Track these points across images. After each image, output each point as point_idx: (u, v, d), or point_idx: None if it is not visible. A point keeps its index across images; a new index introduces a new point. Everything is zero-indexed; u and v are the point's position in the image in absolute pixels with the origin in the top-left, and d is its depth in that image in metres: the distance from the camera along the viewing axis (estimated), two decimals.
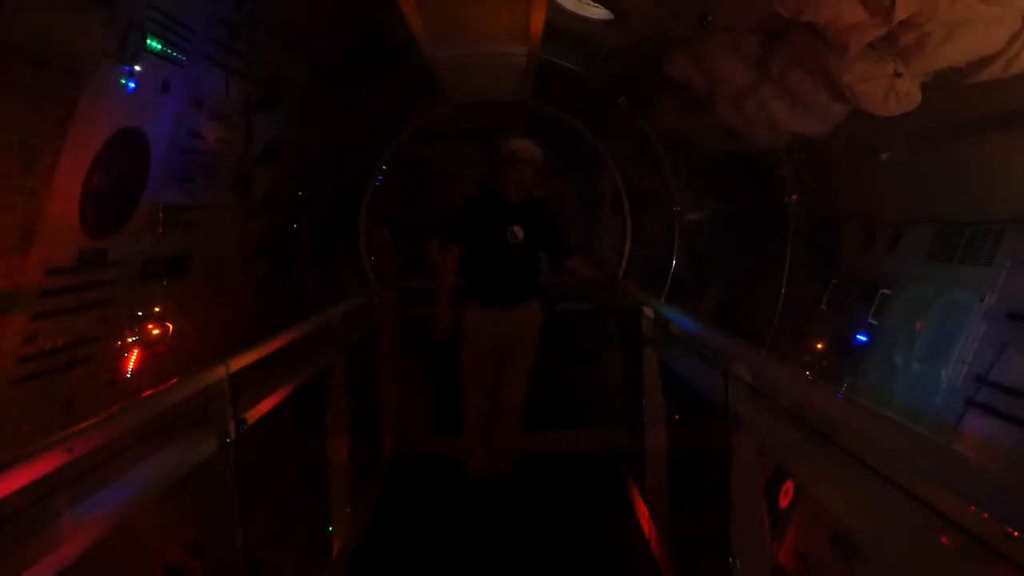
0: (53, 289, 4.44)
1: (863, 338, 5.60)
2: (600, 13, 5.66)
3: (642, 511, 4.58)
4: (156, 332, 5.86)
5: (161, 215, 5.42)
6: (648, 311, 4.79)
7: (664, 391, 4.62)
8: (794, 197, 6.11)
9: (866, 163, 5.90)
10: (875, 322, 5.37)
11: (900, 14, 3.50)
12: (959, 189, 4.90)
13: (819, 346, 6.16)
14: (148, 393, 2.44)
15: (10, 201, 3.89)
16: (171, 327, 5.92)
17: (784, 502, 5.12)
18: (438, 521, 4.64)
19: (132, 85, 4.72)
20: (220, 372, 2.85)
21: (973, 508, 1.59)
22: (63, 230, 4.39)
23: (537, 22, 5.19)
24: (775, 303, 7.44)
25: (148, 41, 4.66)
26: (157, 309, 5.77)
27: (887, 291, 5.37)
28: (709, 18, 4.84)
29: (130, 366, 5.57)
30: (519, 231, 4.82)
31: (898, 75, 3.70)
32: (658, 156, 9.11)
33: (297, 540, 6.53)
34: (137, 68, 4.69)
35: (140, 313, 5.61)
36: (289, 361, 3.94)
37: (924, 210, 5.24)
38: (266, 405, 3.42)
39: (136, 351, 5.62)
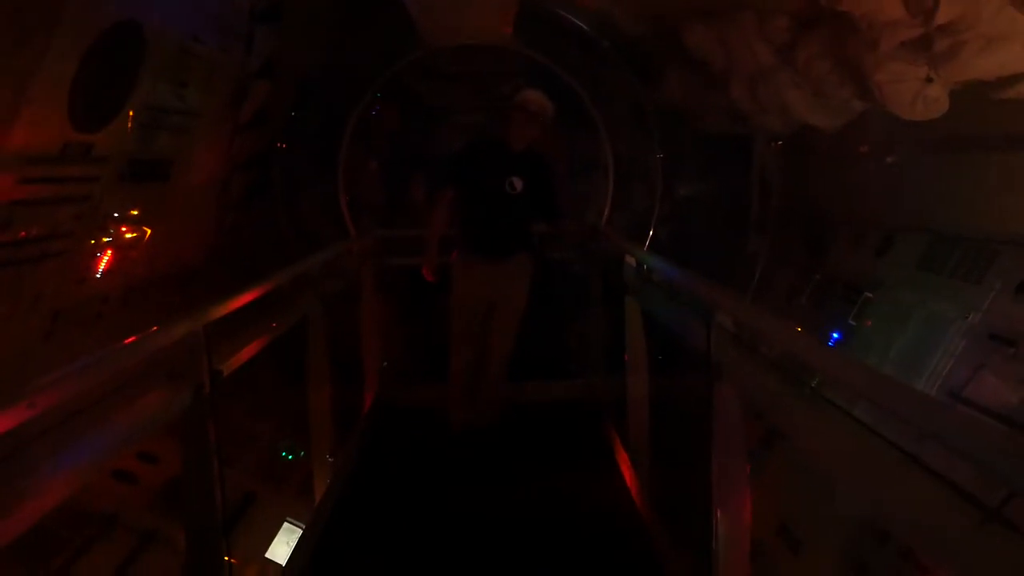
0: (33, 177, 4.27)
1: (838, 336, 5.64)
2: None
3: (623, 459, 4.57)
4: (131, 235, 5.71)
5: (151, 115, 5.22)
6: (630, 259, 4.71)
7: (646, 340, 4.58)
8: (778, 143, 5.84)
9: (867, 164, 5.89)
10: (854, 323, 5.40)
11: (941, 17, 3.44)
12: (958, 203, 4.90)
13: (787, 358, 6.18)
14: (126, 342, 2.30)
15: None
16: (148, 232, 5.77)
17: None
18: (420, 469, 4.58)
19: None
20: (195, 323, 2.70)
21: (965, 462, 1.56)
22: (49, 118, 4.20)
23: None
24: (748, 286, 7.49)
25: None
26: (135, 212, 5.61)
27: (870, 295, 5.39)
28: None
29: (101, 266, 5.43)
30: (518, 183, 4.69)
31: (929, 80, 3.65)
32: (651, 127, 9.03)
33: (278, 488, 6.51)
34: None
35: (117, 214, 5.45)
36: (266, 311, 3.80)
37: (919, 218, 5.24)
38: (242, 357, 3.30)
39: (109, 252, 5.47)
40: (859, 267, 5.73)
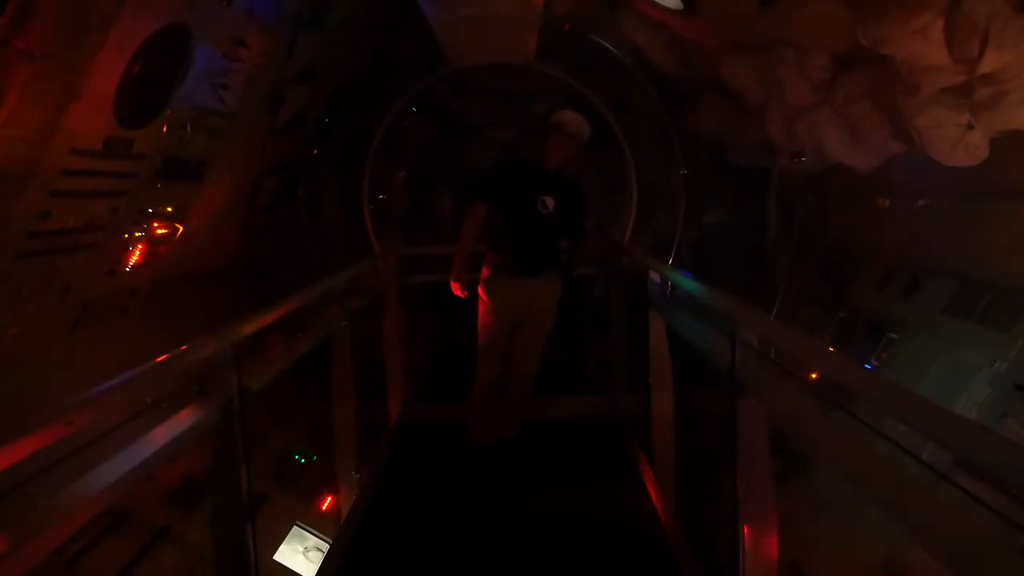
0: (75, 170, 4.34)
1: None
2: (672, 1, 5.54)
3: (648, 475, 4.55)
4: (162, 232, 5.78)
5: (191, 116, 5.30)
6: (654, 275, 4.72)
7: (670, 355, 4.57)
8: (802, 159, 5.72)
9: (897, 203, 5.88)
10: (877, 363, 5.38)
11: (986, 67, 3.46)
12: (987, 249, 4.88)
13: (813, 376, 6.17)
14: (157, 360, 2.33)
15: (51, 73, 3.77)
16: (179, 229, 5.84)
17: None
18: (445, 486, 4.59)
19: None
20: (224, 341, 2.77)
21: (1004, 488, 1.53)
22: (96, 113, 4.28)
23: None
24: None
25: None
26: (168, 209, 5.68)
27: (895, 335, 5.37)
28: None
29: (131, 261, 5.50)
30: (550, 202, 4.69)
31: (970, 127, 3.66)
32: (677, 153, 9.07)
33: (304, 504, 6.53)
34: None
35: (151, 210, 5.53)
36: (294, 328, 3.87)
37: (947, 262, 5.23)
38: (270, 373, 3.36)
39: (140, 247, 5.54)
40: (884, 307, 5.70)
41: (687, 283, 4.29)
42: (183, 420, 2.52)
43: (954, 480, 1.85)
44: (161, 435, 2.38)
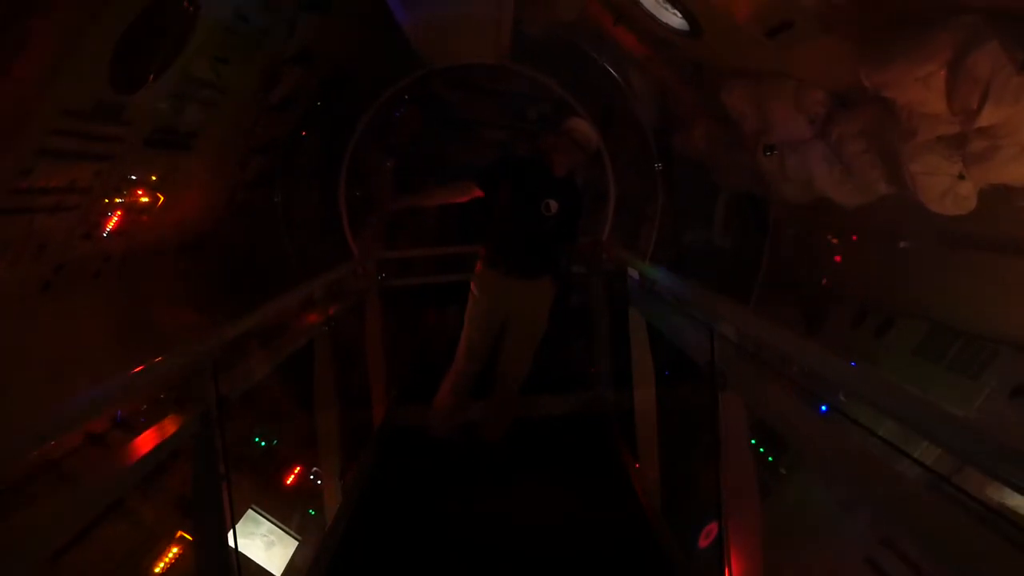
0: (62, 130, 4.26)
1: (825, 409, 5.67)
2: (677, 22, 5.56)
3: (632, 470, 4.58)
4: (144, 200, 5.68)
5: (186, 86, 5.22)
6: (633, 272, 4.75)
7: (651, 351, 4.60)
8: (774, 152, 5.68)
9: (880, 245, 5.94)
10: (844, 400, 5.43)
11: (983, 120, 3.51)
12: (963, 298, 4.95)
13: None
14: (134, 370, 2.28)
15: (48, 29, 3.69)
16: (161, 198, 5.74)
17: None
18: (430, 490, 4.56)
19: None
20: (201, 350, 2.74)
21: (975, 468, 1.54)
22: (90, 74, 4.20)
23: None
24: None
25: None
26: (153, 178, 5.59)
27: None
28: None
29: (109, 226, 5.40)
30: (553, 206, 4.68)
31: (961, 177, 3.72)
32: (659, 170, 9.14)
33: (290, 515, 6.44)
34: None
35: (135, 177, 5.43)
36: (272, 334, 3.84)
37: (921, 306, 5.30)
38: (249, 381, 3.33)
39: (119, 213, 5.44)
40: (855, 343, 5.77)
41: (665, 279, 4.34)
42: (160, 431, 2.47)
43: (937, 472, 1.87)
44: (138, 446, 2.33)
